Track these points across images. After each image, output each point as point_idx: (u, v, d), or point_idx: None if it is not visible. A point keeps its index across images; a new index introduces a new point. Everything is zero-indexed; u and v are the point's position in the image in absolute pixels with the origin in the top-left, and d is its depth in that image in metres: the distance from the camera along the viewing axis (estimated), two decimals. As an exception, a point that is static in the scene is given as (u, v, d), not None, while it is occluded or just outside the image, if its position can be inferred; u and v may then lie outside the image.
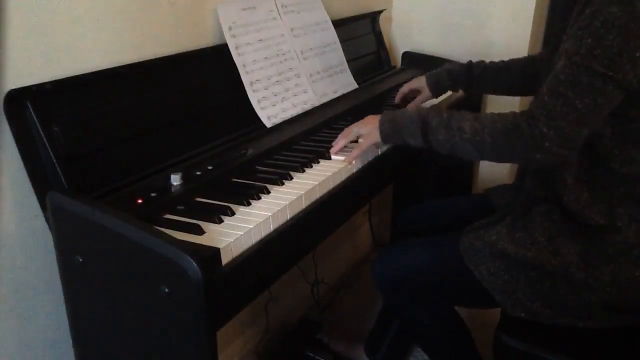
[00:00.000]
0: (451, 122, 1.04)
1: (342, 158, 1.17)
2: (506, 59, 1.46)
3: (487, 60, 1.47)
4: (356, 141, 1.20)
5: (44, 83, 0.93)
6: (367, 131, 1.16)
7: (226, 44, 1.28)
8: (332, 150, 1.20)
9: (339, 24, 1.68)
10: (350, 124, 1.23)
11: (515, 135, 0.97)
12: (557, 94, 0.93)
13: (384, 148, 1.27)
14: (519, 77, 1.41)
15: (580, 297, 1.02)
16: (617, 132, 0.99)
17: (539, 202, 1.10)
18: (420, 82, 1.50)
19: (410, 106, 1.51)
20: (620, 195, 1.02)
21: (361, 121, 1.20)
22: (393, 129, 1.12)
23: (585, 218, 1.02)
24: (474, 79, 1.45)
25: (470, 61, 1.47)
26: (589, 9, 0.91)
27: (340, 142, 1.20)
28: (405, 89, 1.55)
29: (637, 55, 0.89)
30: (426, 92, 1.49)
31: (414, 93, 1.53)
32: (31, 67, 0.94)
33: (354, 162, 1.16)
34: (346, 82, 1.63)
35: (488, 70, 1.44)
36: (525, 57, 1.45)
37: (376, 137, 1.14)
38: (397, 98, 1.57)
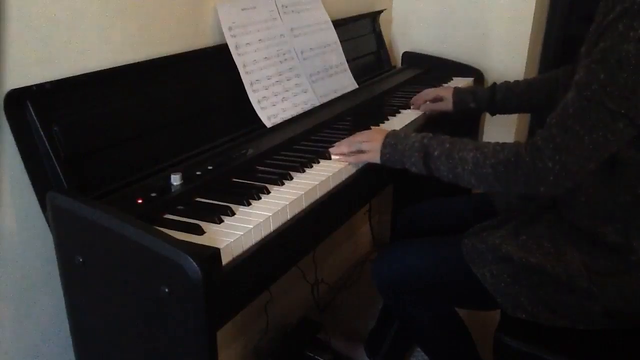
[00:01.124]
0: (453, 153, 1.04)
1: (337, 158, 1.18)
2: (506, 58, 1.46)
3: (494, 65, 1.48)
4: None
5: (44, 83, 0.93)
6: (370, 148, 1.15)
7: (226, 44, 1.28)
8: (332, 150, 1.20)
9: (339, 24, 1.68)
10: (351, 124, 1.23)
11: (517, 168, 0.95)
12: (565, 127, 0.91)
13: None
14: (541, 95, 1.41)
15: (582, 304, 1.01)
16: None
17: (548, 210, 1.09)
18: (447, 92, 1.51)
19: (425, 107, 1.52)
20: (639, 217, 1.00)
21: (367, 134, 1.19)
22: (394, 155, 1.11)
23: (597, 233, 1.01)
24: (497, 103, 1.46)
25: (495, 84, 1.47)
26: (604, 43, 0.89)
27: (342, 148, 1.19)
28: (430, 95, 1.54)
29: None
30: (448, 104, 1.50)
31: (436, 99, 1.53)
32: (31, 67, 0.94)
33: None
34: (346, 82, 1.63)
35: (510, 93, 1.44)
36: (548, 74, 1.44)
37: (376, 157, 1.14)
38: (420, 101, 1.55)
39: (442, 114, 1.53)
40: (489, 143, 1.02)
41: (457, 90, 1.50)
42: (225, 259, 0.83)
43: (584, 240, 1.03)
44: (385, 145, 1.13)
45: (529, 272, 1.04)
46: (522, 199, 1.23)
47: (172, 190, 0.98)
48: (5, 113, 0.90)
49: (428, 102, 1.54)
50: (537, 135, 0.96)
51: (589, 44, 0.94)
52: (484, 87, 1.50)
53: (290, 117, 1.38)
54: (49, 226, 0.94)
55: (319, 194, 1.05)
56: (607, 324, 1.03)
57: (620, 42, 0.87)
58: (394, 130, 1.15)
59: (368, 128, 1.30)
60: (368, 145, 1.16)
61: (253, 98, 1.31)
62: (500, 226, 1.13)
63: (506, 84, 1.46)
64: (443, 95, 1.52)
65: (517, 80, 1.46)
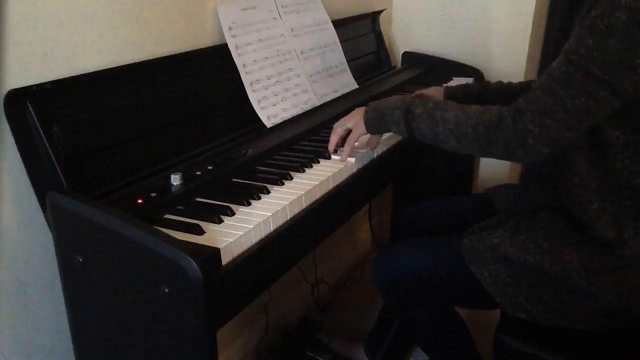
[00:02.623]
0: (435, 112, 1.03)
1: (338, 157, 1.18)
2: (506, 58, 1.46)
3: (492, 61, 1.47)
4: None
5: (44, 83, 0.93)
6: (353, 123, 1.16)
7: (226, 44, 1.28)
8: (329, 149, 1.20)
9: (339, 24, 1.68)
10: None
11: (498, 129, 0.95)
12: (549, 90, 0.91)
13: (384, 148, 1.26)
14: None
15: (582, 304, 1.01)
16: (629, 142, 0.97)
17: (545, 208, 1.09)
18: (437, 92, 1.50)
19: None
20: (628, 208, 1.00)
21: (348, 115, 1.20)
22: (377, 118, 1.11)
23: (592, 231, 1.01)
24: (488, 101, 1.44)
25: (488, 82, 1.47)
26: (595, 11, 0.89)
27: (332, 139, 1.20)
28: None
29: (638, 62, 0.86)
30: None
31: None
32: (31, 67, 0.94)
33: (352, 160, 1.16)
34: (346, 82, 1.63)
35: (502, 92, 1.43)
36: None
37: (362, 127, 1.14)
38: None
39: None
40: (472, 105, 1.01)
41: (448, 90, 1.49)
42: (225, 259, 0.83)
43: (580, 238, 1.04)
44: (366, 112, 1.13)
45: (528, 272, 1.04)
46: (517, 191, 1.22)
47: (172, 190, 0.98)
48: (5, 113, 0.90)
49: None
50: (520, 98, 0.95)
51: (582, 17, 0.94)
52: (475, 84, 1.48)
53: (290, 117, 1.38)
54: (49, 226, 0.94)
55: (319, 194, 1.05)
56: (607, 324, 1.03)
57: (611, 9, 0.87)
58: (373, 101, 1.16)
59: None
60: (352, 120, 1.17)
61: (253, 98, 1.31)
62: (499, 225, 1.13)
63: (499, 83, 1.46)
64: (433, 95, 1.51)
65: (511, 82, 1.46)
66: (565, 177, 1.03)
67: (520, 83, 1.44)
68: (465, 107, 1.02)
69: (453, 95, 1.47)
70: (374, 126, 1.13)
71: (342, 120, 1.20)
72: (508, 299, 1.06)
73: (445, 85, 1.53)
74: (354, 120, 1.16)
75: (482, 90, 1.45)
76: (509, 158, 1.00)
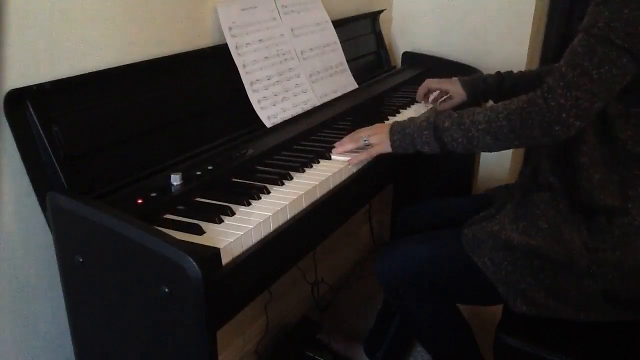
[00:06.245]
0: (463, 119, 1.06)
1: (345, 158, 1.17)
2: (506, 58, 1.46)
3: (500, 62, 1.47)
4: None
5: (44, 83, 0.93)
6: (378, 140, 1.16)
7: (226, 44, 1.28)
8: (334, 151, 1.19)
9: (339, 24, 1.68)
10: (351, 124, 1.23)
11: (532, 111, 0.98)
12: (574, 65, 0.95)
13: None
14: None
15: (582, 285, 1.02)
16: (631, 115, 1.00)
17: (543, 189, 1.10)
18: (454, 86, 1.49)
19: (444, 106, 1.51)
20: (634, 177, 1.02)
21: (370, 128, 1.20)
22: (405, 141, 1.13)
23: (595, 199, 1.03)
24: (506, 91, 1.46)
25: (500, 72, 1.48)
26: None
27: (347, 145, 1.19)
28: (434, 86, 1.54)
29: None
30: (462, 95, 1.48)
31: (442, 94, 1.53)
32: (31, 67, 0.94)
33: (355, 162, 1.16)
34: (346, 82, 1.63)
35: (519, 82, 1.45)
36: (552, 66, 1.45)
37: (387, 147, 1.15)
38: (421, 93, 1.57)
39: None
40: (497, 103, 1.05)
41: (465, 82, 1.49)
42: (225, 259, 0.83)
43: (581, 217, 1.05)
44: (392, 132, 1.15)
45: (530, 257, 1.05)
46: (522, 172, 1.23)
47: (172, 190, 0.98)
48: (5, 113, 0.90)
49: (439, 101, 1.53)
50: (547, 78, 0.99)
51: None
52: (489, 75, 1.49)
53: (290, 117, 1.38)
54: (49, 226, 0.94)
55: (319, 194, 1.05)
56: (607, 311, 1.03)
57: None
58: (396, 121, 1.17)
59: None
60: (375, 137, 1.17)
61: (253, 98, 1.31)
62: (499, 212, 1.13)
63: (511, 72, 1.47)
64: (448, 88, 1.50)
65: (522, 71, 1.47)
66: (573, 147, 1.05)
67: (531, 72, 1.45)
68: (490, 106, 1.05)
69: (473, 85, 1.47)
70: (402, 148, 1.14)
71: (363, 132, 1.19)
72: (510, 287, 1.06)
73: (458, 77, 1.51)
74: (379, 138, 1.16)
75: (499, 79, 1.46)
76: (548, 138, 1.02)
